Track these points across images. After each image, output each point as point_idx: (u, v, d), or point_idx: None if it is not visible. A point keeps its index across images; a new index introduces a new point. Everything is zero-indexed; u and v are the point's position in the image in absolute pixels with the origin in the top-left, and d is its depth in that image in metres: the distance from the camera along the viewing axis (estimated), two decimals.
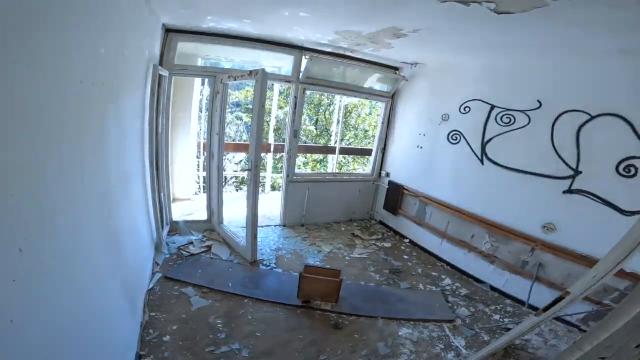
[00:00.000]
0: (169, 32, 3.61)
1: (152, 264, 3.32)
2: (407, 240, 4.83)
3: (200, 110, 5.84)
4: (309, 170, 10.27)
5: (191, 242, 4.05)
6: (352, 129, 11.06)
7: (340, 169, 10.55)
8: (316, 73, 4.45)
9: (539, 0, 1.85)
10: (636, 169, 2.70)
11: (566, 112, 3.14)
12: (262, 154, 7.74)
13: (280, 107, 10.36)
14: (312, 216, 5.02)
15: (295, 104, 4.40)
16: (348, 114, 10.75)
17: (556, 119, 3.21)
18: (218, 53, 4.38)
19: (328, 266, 3.86)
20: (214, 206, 4.27)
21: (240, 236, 3.99)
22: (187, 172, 5.49)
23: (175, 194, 5.46)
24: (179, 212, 4.71)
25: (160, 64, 3.57)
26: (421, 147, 4.67)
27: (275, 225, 4.88)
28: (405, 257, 4.37)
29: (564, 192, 3.17)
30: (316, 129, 11.18)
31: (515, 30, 2.47)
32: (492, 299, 3.53)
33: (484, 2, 1.99)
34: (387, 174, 5.28)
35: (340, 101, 7.68)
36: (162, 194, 3.92)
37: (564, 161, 3.17)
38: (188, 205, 5.23)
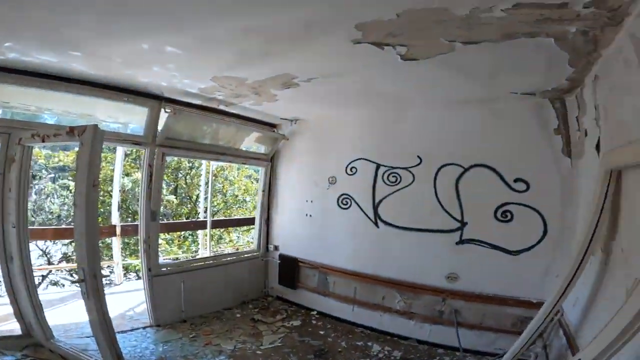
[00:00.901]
0: None
1: None
2: (315, 312, 4.16)
3: None
4: (174, 249, 8.37)
5: None
6: (219, 194, 10.03)
7: (216, 242, 9.11)
8: (181, 132, 3.58)
9: (447, 45, 1.80)
10: (511, 213, 3.00)
11: (443, 166, 3.36)
12: (106, 239, 5.74)
13: (127, 174, 8.45)
14: (195, 307, 3.72)
15: (151, 175, 3.30)
16: (214, 178, 9.76)
17: (436, 174, 3.40)
18: (27, 100, 2.91)
19: None
20: (30, 317, 2.52)
21: (92, 350, 2.43)
22: None
23: None
24: None
25: None
26: (311, 216, 4.26)
27: (144, 328, 3.36)
28: (322, 332, 3.71)
29: (456, 243, 3.27)
30: (176, 197, 9.60)
31: (410, 79, 2.48)
32: (426, 352, 3.29)
33: (397, 46, 1.83)
34: (276, 247, 4.58)
35: (209, 165, 6.74)
36: None
37: (450, 215, 3.31)
38: None
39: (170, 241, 8.56)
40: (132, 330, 3.35)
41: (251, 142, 4.52)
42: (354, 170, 3.91)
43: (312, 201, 4.24)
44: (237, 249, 9.36)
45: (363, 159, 3.85)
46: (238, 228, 9.62)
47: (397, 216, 3.60)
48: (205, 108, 3.62)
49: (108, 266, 5.91)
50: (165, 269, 3.48)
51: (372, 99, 3.25)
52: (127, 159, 7.76)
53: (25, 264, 2.48)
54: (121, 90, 2.98)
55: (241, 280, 4.30)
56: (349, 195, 3.92)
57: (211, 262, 4.06)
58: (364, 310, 3.76)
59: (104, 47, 2.08)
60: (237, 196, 10.53)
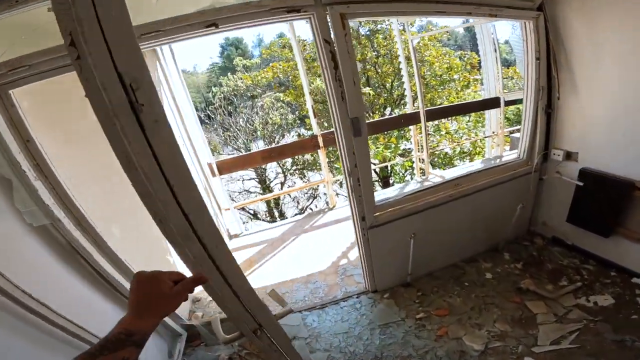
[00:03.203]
0: None
1: None
2: None
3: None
4: (381, 150, 7.35)
5: None
6: (413, 78, 7.99)
7: (437, 146, 7.60)
8: None
9: None
10: None
11: None
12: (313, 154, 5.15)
13: (318, 76, 7.77)
14: (423, 264, 2.54)
15: (334, 58, 1.81)
16: (408, 61, 7.61)
17: None
18: None
19: None
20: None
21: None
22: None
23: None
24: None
25: None
26: None
27: (358, 296, 2.55)
28: None
29: None
30: (371, 89, 8.38)
31: None
32: None
33: None
34: (569, 156, 2.48)
35: (405, 38, 4.80)
36: None
37: None
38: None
39: (375, 139, 7.59)
40: (344, 299, 2.53)
41: None
42: None
43: None
44: (459, 143, 7.57)
45: None
46: (455, 121, 7.77)
47: None
48: None
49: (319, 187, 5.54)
50: (384, 213, 2.22)
51: None
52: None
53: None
54: None
55: (491, 209, 2.62)
56: None
57: (451, 192, 2.41)
58: None
59: None
60: (440, 76, 8.16)
